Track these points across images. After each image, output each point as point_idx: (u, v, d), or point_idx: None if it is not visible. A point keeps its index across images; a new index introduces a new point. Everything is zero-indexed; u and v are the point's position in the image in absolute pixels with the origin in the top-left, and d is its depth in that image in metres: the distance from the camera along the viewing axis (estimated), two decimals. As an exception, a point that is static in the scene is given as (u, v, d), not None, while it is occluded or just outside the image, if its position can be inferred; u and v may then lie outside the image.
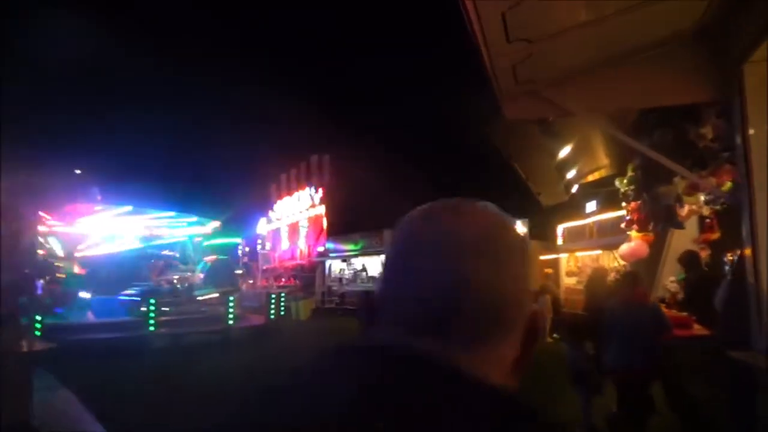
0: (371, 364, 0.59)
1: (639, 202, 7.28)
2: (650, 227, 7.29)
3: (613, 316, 5.58)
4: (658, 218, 6.73)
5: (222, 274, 17.34)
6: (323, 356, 0.66)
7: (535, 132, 6.78)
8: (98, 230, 16.31)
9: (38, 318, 10.59)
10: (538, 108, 3.68)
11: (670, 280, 9.89)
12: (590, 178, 12.67)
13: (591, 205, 14.32)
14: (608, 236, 13.11)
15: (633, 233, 10.33)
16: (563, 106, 3.54)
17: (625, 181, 7.68)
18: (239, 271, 22.24)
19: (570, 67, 3.51)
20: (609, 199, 13.22)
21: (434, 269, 0.61)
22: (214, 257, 17.13)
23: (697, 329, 5.81)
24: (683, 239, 10.44)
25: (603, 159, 12.08)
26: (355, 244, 25.97)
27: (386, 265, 0.69)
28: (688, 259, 7.03)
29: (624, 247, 10.69)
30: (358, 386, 0.56)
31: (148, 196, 18.43)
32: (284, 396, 0.63)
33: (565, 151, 8.11)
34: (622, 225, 9.15)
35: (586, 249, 14.54)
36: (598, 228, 13.97)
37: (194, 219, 17.65)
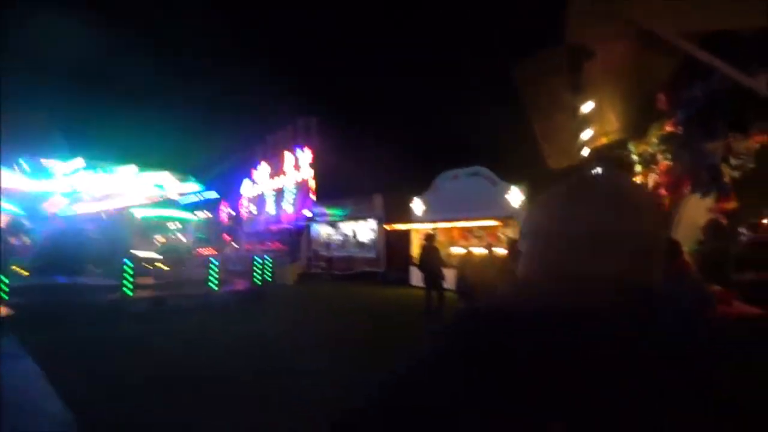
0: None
1: (671, 163, 6.58)
2: (686, 190, 6.62)
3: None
4: (701, 179, 6.03)
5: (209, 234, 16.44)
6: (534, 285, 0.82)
7: (559, 84, 6.13)
8: (70, 187, 15.27)
9: (4, 280, 9.76)
10: (611, 28, 2.96)
11: (680, 251, 9.38)
12: (599, 142, 12.02)
13: (595, 172, 13.70)
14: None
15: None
16: (645, 24, 2.82)
17: (654, 140, 6.97)
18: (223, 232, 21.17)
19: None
20: (615, 165, 12.59)
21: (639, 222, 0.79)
22: (207, 215, 16.13)
23: (739, 306, 5.20)
24: (696, 208, 9.92)
25: (614, 122, 11.42)
26: (344, 209, 25.22)
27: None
28: (714, 229, 6.38)
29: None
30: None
31: (124, 152, 17.41)
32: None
33: (586, 107, 7.43)
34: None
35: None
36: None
37: (175, 176, 16.67)
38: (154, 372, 6.92)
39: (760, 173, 6.54)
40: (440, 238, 17.35)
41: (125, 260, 12.27)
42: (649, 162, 8.37)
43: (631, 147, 9.58)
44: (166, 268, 13.09)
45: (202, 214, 21.98)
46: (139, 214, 17.04)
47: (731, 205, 7.66)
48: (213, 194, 28.60)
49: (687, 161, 6.08)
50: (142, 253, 14.62)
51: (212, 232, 23.93)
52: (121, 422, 5.00)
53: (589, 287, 0.74)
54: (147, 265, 14.64)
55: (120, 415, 5.19)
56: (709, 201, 8.84)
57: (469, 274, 9.23)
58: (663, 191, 7.19)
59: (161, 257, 14.04)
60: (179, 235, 19.06)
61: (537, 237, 0.86)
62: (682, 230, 9.83)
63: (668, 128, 6.46)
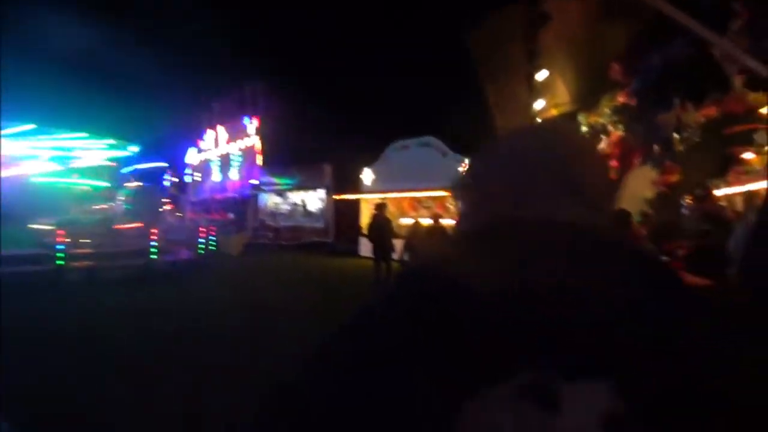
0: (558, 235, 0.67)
1: (623, 134, 6.53)
2: (636, 162, 6.61)
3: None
4: (653, 151, 6.00)
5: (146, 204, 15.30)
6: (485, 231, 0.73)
7: (514, 50, 5.97)
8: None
9: None
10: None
11: (625, 223, 9.55)
12: (550, 113, 12.01)
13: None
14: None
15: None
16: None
17: (607, 110, 6.90)
18: (165, 200, 20.24)
19: None
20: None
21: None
22: (138, 184, 14.88)
23: (686, 278, 5.21)
24: (640, 180, 10.11)
25: (564, 94, 11.41)
26: (292, 178, 24.68)
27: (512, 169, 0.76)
28: (663, 201, 6.43)
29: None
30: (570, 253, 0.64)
31: (57, 114, 16.26)
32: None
33: (541, 75, 7.30)
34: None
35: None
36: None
37: (112, 142, 15.63)
38: (78, 352, 6.51)
39: (703, 146, 6.62)
40: (390, 208, 17.21)
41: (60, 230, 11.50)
42: (599, 133, 8.37)
43: (581, 119, 9.58)
44: (67, 240, 12.00)
45: (132, 184, 20.69)
46: (44, 182, 15.57)
47: (675, 177, 7.78)
48: (160, 164, 27.35)
49: (640, 133, 6.04)
50: (38, 225, 13.47)
51: (148, 202, 22.79)
52: (49, 410, 4.61)
53: (540, 234, 0.67)
54: (83, 240, 13.74)
55: (48, 401, 4.79)
56: (653, 173, 9.02)
57: (417, 245, 9.09)
58: (613, 162, 7.18)
59: (59, 228, 12.75)
60: (100, 206, 17.79)
61: (480, 184, 0.80)
62: (626, 202, 10.02)
63: (621, 99, 6.41)
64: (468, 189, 0.82)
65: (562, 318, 0.56)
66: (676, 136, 5.71)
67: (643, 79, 5.03)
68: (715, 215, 5.07)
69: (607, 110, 7.09)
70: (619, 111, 6.61)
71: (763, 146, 5.47)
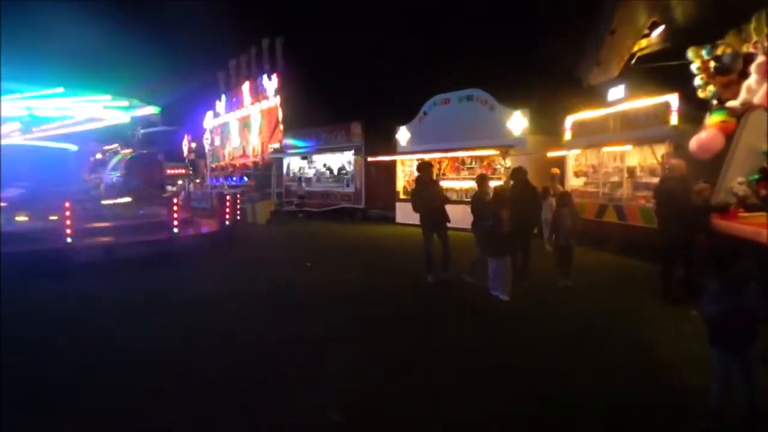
0: None
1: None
2: None
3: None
4: None
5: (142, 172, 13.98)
6: None
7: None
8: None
9: None
10: None
11: (738, 181, 7.84)
12: (639, 52, 10.15)
13: (617, 91, 11.76)
14: (643, 128, 10.70)
15: (713, 118, 8.02)
16: None
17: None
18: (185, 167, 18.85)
19: None
20: (642, 82, 10.75)
21: None
22: (129, 150, 13.36)
23: None
24: (755, 132, 8.37)
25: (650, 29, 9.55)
26: (318, 139, 22.98)
27: None
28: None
29: (695, 140, 8.44)
30: None
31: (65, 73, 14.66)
32: None
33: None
34: (734, 102, 6.71)
35: (609, 144, 12.08)
36: (625, 119, 11.46)
37: (124, 103, 13.84)
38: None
39: None
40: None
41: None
42: (727, 68, 6.58)
43: (692, 53, 7.77)
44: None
45: (149, 150, 19.14)
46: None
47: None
48: (173, 128, 25.75)
49: None
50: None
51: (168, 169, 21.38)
52: None
53: None
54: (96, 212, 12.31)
55: None
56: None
57: (506, 217, 7.25)
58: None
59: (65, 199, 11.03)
60: (114, 173, 16.38)
61: None
62: (738, 160, 8.26)
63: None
64: None
65: None
66: None
67: None
68: None
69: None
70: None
71: None
